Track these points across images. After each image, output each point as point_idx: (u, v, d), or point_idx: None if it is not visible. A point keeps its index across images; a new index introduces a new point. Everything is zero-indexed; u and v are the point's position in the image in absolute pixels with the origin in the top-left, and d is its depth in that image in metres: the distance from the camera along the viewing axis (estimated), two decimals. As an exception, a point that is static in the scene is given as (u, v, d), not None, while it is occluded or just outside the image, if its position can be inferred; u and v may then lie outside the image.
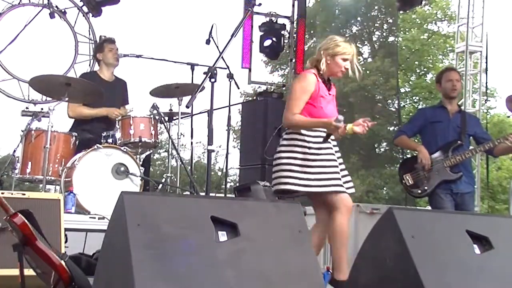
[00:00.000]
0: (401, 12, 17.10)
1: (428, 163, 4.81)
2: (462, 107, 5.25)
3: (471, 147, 4.92)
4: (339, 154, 3.91)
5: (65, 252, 3.19)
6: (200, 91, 4.04)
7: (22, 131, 4.65)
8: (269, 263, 2.43)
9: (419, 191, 4.92)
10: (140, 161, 4.75)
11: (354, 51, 3.91)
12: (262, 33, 7.98)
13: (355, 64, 3.89)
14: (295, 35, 8.16)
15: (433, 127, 4.94)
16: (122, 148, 4.62)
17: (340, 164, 3.88)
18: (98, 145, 4.54)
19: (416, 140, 5.50)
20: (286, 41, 8.21)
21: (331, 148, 3.84)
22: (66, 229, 3.69)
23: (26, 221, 2.43)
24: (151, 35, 35.34)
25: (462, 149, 4.83)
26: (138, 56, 5.40)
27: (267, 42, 7.91)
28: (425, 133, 5.02)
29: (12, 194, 3.62)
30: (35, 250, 2.44)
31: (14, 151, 4.72)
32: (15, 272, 2.59)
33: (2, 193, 3.44)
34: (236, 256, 2.38)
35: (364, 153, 22.32)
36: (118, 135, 4.86)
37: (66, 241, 3.70)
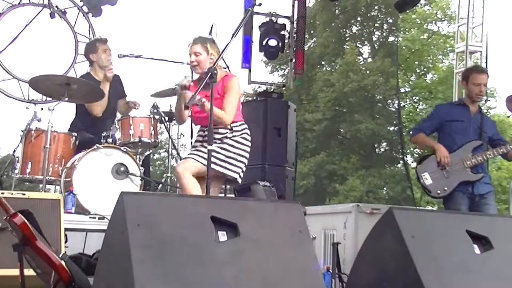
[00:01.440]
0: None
1: (447, 161, 4.68)
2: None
3: (491, 149, 4.81)
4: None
5: (65, 252, 3.19)
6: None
7: (22, 131, 4.65)
8: (269, 263, 2.43)
9: (438, 192, 4.74)
10: (140, 161, 4.75)
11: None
12: (262, 33, 7.97)
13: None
14: (295, 35, 8.15)
15: (451, 126, 4.83)
16: (122, 148, 4.62)
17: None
18: (98, 145, 4.53)
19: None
20: (286, 41, 8.19)
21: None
22: (66, 229, 3.69)
23: (26, 221, 2.44)
24: (151, 35, 35.40)
25: (482, 150, 4.73)
26: (138, 56, 5.39)
27: (273, 42, 7.89)
28: (442, 131, 4.91)
29: (12, 194, 3.62)
30: (35, 250, 2.44)
31: (14, 151, 4.72)
32: (15, 272, 2.59)
33: (2, 193, 3.45)
34: (236, 256, 2.38)
35: (364, 153, 22.31)
36: (118, 135, 4.85)
37: (66, 241, 3.70)
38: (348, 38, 23.37)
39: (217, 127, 4.06)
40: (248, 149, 4.27)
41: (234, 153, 4.17)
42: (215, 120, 3.87)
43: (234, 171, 4.17)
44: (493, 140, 4.89)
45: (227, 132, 4.17)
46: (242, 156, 4.22)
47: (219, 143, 4.12)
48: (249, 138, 4.30)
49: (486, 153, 4.72)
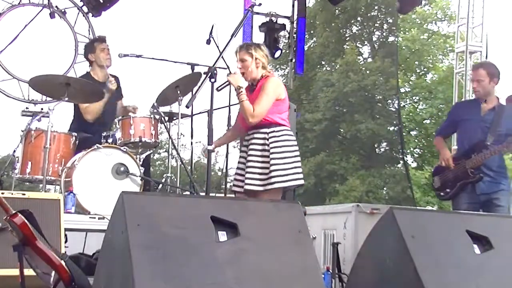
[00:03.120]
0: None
1: (448, 164, 4.70)
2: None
3: (491, 148, 4.57)
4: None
5: (65, 252, 3.19)
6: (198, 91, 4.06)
7: (22, 131, 4.64)
8: (269, 263, 2.43)
9: (442, 194, 4.82)
10: (140, 161, 4.75)
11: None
12: (263, 33, 7.97)
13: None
14: (295, 35, 8.15)
15: (463, 126, 4.79)
16: (122, 148, 4.61)
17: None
18: (98, 145, 4.53)
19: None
20: (286, 41, 8.20)
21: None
22: (66, 229, 3.68)
23: (26, 221, 2.43)
24: (151, 35, 35.38)
25: (487, 149, 4.59)
26: (138, 56, 5.39)
27: (278, 54, 7.98)
28: (458, 131, 4.89)
29: (12, 194, 3.61)
30: (35, 250, 2.44)
31: (14, 151, 4.71)
32: (15, 272, 2.59)
33: (2, 193, 3.44)
34: (236, 256, 2.38)
35: (364, 153, 22.31)
36: (118, 135, 4.85)
37: (66, 241, 3.70)
38: (348, 38, 23.39)
39: (257, 130, 4.07)
40: (292, 149, 4.09)
41: (280, 162, 4.00)
42: (245, 118, 4.01)
43: (291, 180, 4.02)
44: (509, 135, 4.61)
45: (265, 138, 4.06)
46: (290, 161, 4.03)
47: (260, 151, 4.04)
48: (290, 139, 4.12)
49: (485, 153, 4.55)
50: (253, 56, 4.15)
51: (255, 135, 4.10)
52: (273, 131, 4.07)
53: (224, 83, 4.19)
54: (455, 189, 4.71)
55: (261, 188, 3.99)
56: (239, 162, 4.19)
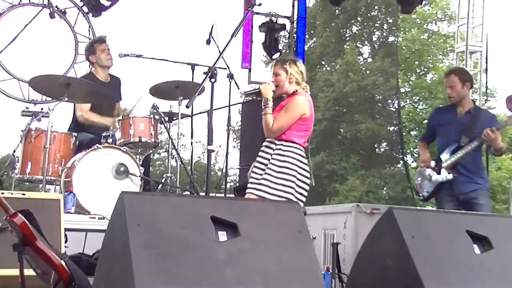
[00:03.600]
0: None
1: (426, 165, 4.88)
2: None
3: (463, 149, 4.73)
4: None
5: (65, 252, 3.19)
6: (199, 94, 4.07)
7: (22, 131, 4.64)
8: (269, 263, 2.43)
9: (420, 195, 5.03)
10: (140, 161, 4.75)
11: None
12: (263, 33, 7.98)
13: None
14: (295, 35, 8.15)
15: (441, 130, 4.96)
16: (122, 148, 4.62)
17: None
18: (98, 145, 4.53)
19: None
20: (286, 41, 8.20)
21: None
22: (66, 229, 3.69)
23: (26, 221, 2.43)
24: (152, 35, 35.38)
25: (462, 150, 4.76)
26: (138, 56, 5.39)
27: (276, 56, 8.01)
28: (437, 136, 5.05)
29: (12, 194, 3.61)
30: (35, 250, 2.44)
31: (14, 151, 4.71)
32: (15, 272, 2.59)
33: (2, 193, 3.44)
34: (236, 256, 2.38)
35: (364, 153, 22.33)
36: (118, 135, 4.85)
37: (66, 241, 3.70)
38: (348, 38, 23.40)
39: (270, 141, 4.12)
40: (293, 167, 4.03)
41: (273, 174, 4.01)
42: (264, 129, 4.11)
43: (277, 196, 3.96)
44: None
45: (273, 149, 4.09)
46: (285, 178, 4.01)
47: (263, 160, 4.10)
48: (295, 157, 4.06)
49: (457, 153, 4.72)
50: (287, 72, 4.17)
51: (265, 144, 4.16)
52: (281, 145, 4.08)
53: (254, 90, 4.24)
54: (433, 190, 4.88)
55: (248, 191, 4.07)
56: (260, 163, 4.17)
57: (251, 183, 4.08)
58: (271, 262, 2.44)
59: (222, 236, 2.42)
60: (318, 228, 6.57)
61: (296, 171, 4.03)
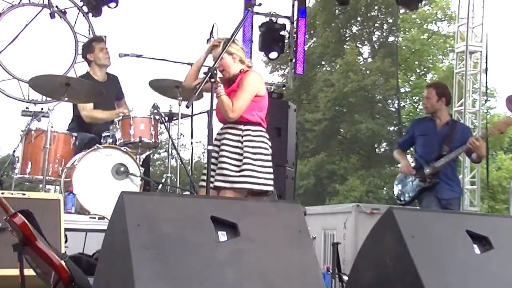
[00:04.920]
0: (401, 11, 17.11)
1: (406, 172, 5.17)
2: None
3: (446, 157, 5.05)
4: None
5: (65, 252, 3.19)
6: (199, 95, 4.05)
7: (22, 131, 4.64)
8: (269, 263, 2.43)
9: (402, 199, 5.35)
10: (140, 161, 4.75)
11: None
12: (263, 35, 7.99)
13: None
14: (295, 35, 8.15)
15: (421, 139, 5.24)
16: (122, 148, 4.61)
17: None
18: (98, 145, 4.53)
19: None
20: (286, 41, 8.20)
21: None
22: (66, 229, 3.69)
23: (26, 221, 2.43)
24: (152, 35, 35.41)
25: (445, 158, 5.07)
26: (138, 56, 5.38)
27: (273, 55, 8.03)
28: (417, 145, 5.32)
29: (12, 194, 3.61)
30: (35, 250, 2.44)
31: (14, 151, 4.71)
32: (15, 272, 2.59)
33: (2, 193, 3.44)
34: (236, 256, 2.38)
35: (364, 153, 22.32)
36: (118, 135, 4.85)
37: (66, 241, 3.70)
38: (348, 38, 23.39)
39: (232, 126, 3.93)
40: (266, 152, 3.95)
41: (254, 164, 3.85)
42: (223, 113, 3.89)
43: (261, 184, 3.85)
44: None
45: (239, 135, 3.91)
46: (263, 165, 3.89)
47: (233, 147, 3.89)
48: (266, 141, 3.99)
49: (440, 161, 5.01)
50: (230, 52, 4.01)
51: (229, 131, 3.95)
52: (249, 130, 3.93)
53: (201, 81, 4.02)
54: (415, 194, 5.19)
55: (228, 185, 3.83)
56: (212, 157, 3.94)
57: (227, 175, 3.82)
58: (271, 262, 2.44)
59: (222, 236, 2.42)
60: (318, 228, 6.58)
61: (268, 155, 3.95)
